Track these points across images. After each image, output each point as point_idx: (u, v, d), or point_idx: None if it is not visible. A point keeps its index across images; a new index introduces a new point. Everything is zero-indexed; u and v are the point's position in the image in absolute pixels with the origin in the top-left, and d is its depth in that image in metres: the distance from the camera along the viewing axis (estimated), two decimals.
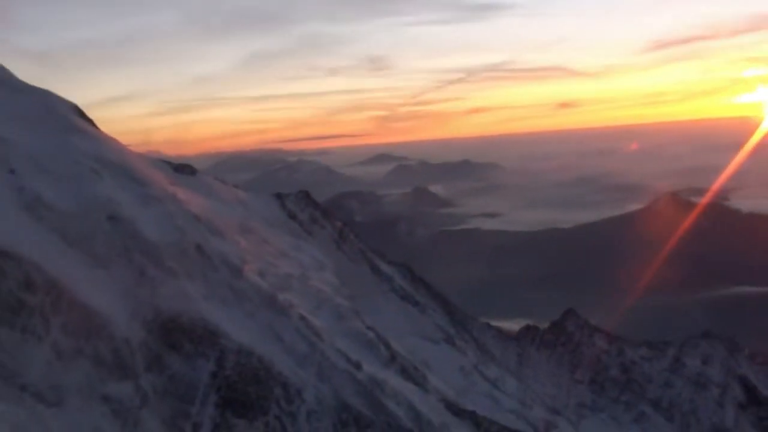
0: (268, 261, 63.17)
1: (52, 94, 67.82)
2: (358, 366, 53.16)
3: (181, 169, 75.30)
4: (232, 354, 48.46)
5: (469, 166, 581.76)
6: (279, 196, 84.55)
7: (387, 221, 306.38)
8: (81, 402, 41.53)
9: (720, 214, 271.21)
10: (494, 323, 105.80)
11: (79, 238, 50.83)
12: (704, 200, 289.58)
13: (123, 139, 71.92)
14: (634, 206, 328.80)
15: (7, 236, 46.51)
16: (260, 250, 64.68)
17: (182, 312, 49.20)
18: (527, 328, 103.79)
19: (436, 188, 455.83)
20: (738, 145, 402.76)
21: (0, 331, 41.25)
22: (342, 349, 54.22)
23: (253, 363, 48.78)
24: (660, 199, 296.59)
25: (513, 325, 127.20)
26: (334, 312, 60.56)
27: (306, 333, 53.45)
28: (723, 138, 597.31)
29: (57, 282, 45.72)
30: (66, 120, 63.92)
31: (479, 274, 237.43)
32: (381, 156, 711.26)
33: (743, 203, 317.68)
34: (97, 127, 69.12)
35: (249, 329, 51.34)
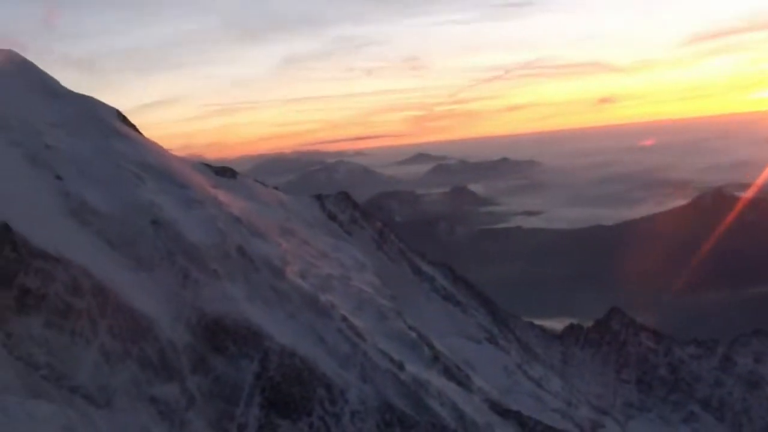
0: (309, 262, 63.39)
1: (95, 100, 68.92)
2: (400, 366, 53.04)
3: (222, 172, 75.95)
4: (275, 355, 48.69)
5: (507, 164, 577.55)
6: (319, 198, 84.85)
7: (427, 221, 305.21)
8: (129, 403, 42.08)
9: (766, 209, 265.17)
10: (537, 322, 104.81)
11: (123, 242, 51.59)
12: (748, 195, 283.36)
13: (164, 144, 72.87)
14: (678, 202, 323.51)
15: (54, 241, 47.36)
16: (301, 251, 64.95)
17: (226, 314, 49.60)
18: (571, 326, 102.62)
19: (476, 187, 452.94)
20: None
21: (49, 335, 42.02)
22: (384, 350, 54.16)
23: (297, 364, 48.96)
24: (705, 195, 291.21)
25: (556, 324, 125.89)
26: (376, 312, 60.53)
27: (348, 334, 53.49)
28: (765, 132, 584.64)
29: (103, 286, 46.43)
30: (109, 125, 64.91)
31: (521, 273, 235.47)
32: (419, 155, 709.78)
33: None
34: (139, 132, 70.09)
35: (291, 330, 51.55)
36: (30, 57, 71.34)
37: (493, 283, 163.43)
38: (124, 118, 69.75)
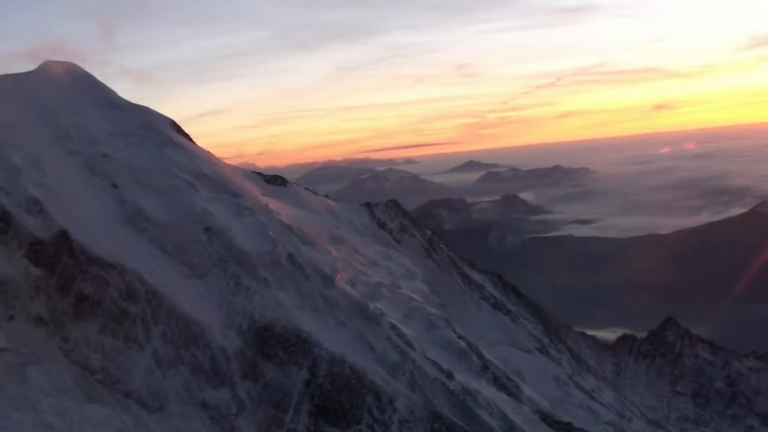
0: (359, 270, 63.65)
1: (151, 111, 70.45)
2: (449, 375, 52.83)
3: (273, 180, 76.81)
4: (324, 362, 49.00)
5: (560, 172, 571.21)
6: (368, 206, 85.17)
7: (477, 229, 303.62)
8: (181, 408, 42.82)
9: None
10: (589, 332, 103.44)
11: (176, 249, 52.61)
12: None
13: (217, 153, 74.04)
14: (736, 210, 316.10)
15: (110, 248, 48.52)
16: (351, 259, 65.25)
17: (276, 321, 50.13)
18: (624, 337, 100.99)
19: (527, 195, 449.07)
20: None
21: (104, 340, 43.03)
22: (433, 358, 54.02)
23: (346, 371, 49.19)
24: (764, 203, 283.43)
25: (609, 335, 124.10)
26: (425, 321, 60.43)
27: (397, 342, 53.52)
28: None
29: (157, 292, 47.40)
30: (163, 135, 66.27)
31: (573, 282, 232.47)
32: (470, 163, 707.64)
33: None
34: (192, 141, 71.37)
35: (341, 338, 51.82)
36: (90, 69, 73.33)
37: (544, 292, 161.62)
38: (178, 128, 71.13)
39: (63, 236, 46.55)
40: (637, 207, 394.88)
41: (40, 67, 71.00)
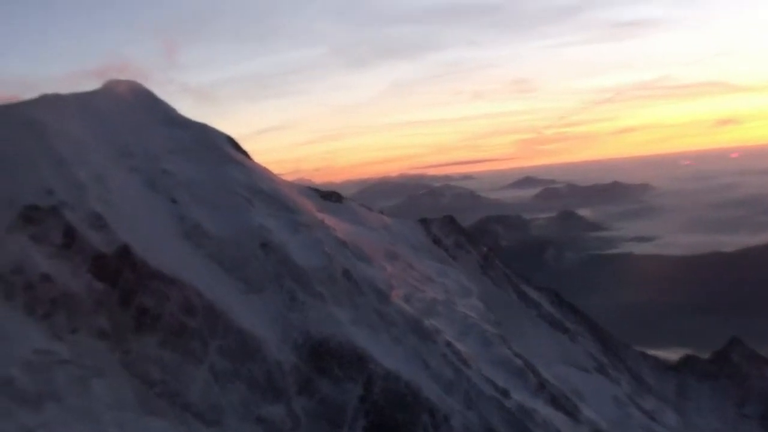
0: (414, 286, 63.52)
1: (209, 128, 71.84)
2: (505, 393, 52.22)
3: (329, 196, 77.40)
4: (379, 379, 48.91)
5: (619, 188, 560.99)
6: (424, 222, 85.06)
7: (533, 246, 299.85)
8: (237, 422, 43.19)
9: None
10: (650, 352, 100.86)
11: (234, 265, 53.31)
12: None
13: (274, 169, 75.08)
14: None
15: (170, 263, 49.44)
16: (406, 275, 65.17)
17: (331, 336, 50.28)
18: (687, 357, 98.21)
19: (585, 211, 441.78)
20: None
21: (164, 353, 43.77)
22: (489, 376, 53.49)
23: (401, 388, 48.99)
24: None
25: (671, 355, 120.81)
26: (481, 338, 59.91)
27: (452, 359, 53.16)
28: None
29: (215, 306, 48.06)
30: (221, 151, 67.45)
31: (633, 301, 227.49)
32: (527, 179, 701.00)
33: None
34: (250, 158, 72.45)
35: (396, 354, 51.69)
36: (152, 87, 75.39)
37: (602, 310, 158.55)
38: (236, 144, 72.33)
39: (125, 251, 47.65)
40: (700, 224, 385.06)
41: (104, 86, 73.17)
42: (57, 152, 55.01)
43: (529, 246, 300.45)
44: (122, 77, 76.49)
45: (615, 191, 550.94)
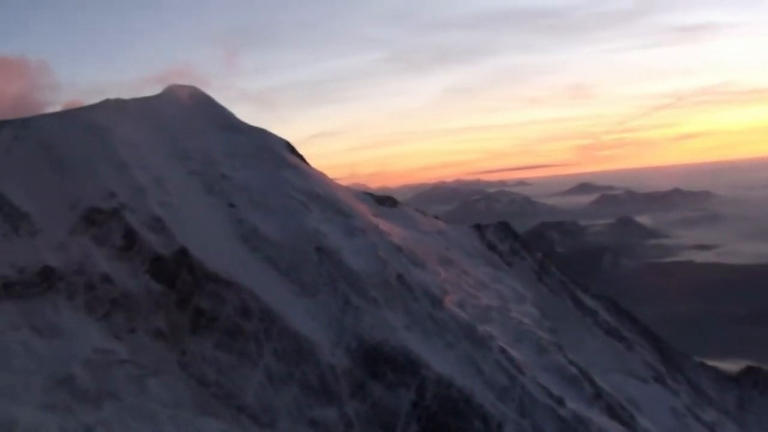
0: (468, 292, 63.11)
1: (267, 132, 72.72)
2: (560, 402, 51.45)
3: (384, 201, 77.48)
4: (432, 384, 48.69)
5: (679, 195, 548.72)
6: (478, 227, 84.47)
7: (590, 253, 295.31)
8: (290, 425, 43.50)
9: None
10: (710, 363, 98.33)
11: (289, 268, 53.78)
12: None
13: (330, 173, 75.49)
14: None
15: (227, 266, 50.17)
16: (460, 280, 64.81)
17: (384, 341, 50.26)
18: (748, 369, 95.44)
19: (644, 218, 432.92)
20: None
21: (219, 354, 44.40)
22: (543, 384, 52.78)
23: (453, 394, 48.69)
24: None
25: (732, 366, 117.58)
26: (535, 345, 59.17)
27: (506, 366, 52.62)
28: None
29: (270, 309, 48.55)
30: (279, 156, 68.18)
31: (692, 310, 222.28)
32: (584, 185, 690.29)
33: None
34: (306, 162, 73.05)
35: (449, 360, 51.38)
36: (212, 92, 76.69)
37: (661, 319, 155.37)
38: (293, 149, 73.00)
39: (183, 253, 48.55)
40: (763, 233, 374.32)
41: (165, 91, 74.76)
42: (118, 156, 56.38)
43: (586, 253, 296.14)
44: (183, 83, 78.15)
45: (675, 198, 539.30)
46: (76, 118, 60.38)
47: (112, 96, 67.37)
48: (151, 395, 39.00)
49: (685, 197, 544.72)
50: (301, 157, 73.25)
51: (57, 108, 68.01)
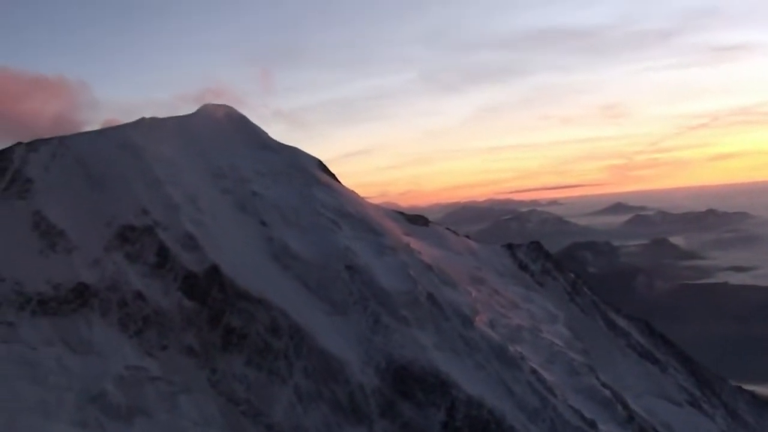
0: (499, 312, 62.67)
1: (299, 151, 73.22)
2: (592, 425, 50.73)
3: (415, 219, 77.44)
4: (462, 405, 48.31)
5: (714, 216, 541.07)
6: (510, 247, 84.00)
7: (623, 273, 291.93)
8: None
9: None
10: (747, 387, 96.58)
11: (319, 286, 53.88)
12: None
13: (361, 192, 75.70)
14: None
15: (257, 283, 50.40)
16: (491, 300, 64.40)
17: (414, 360, 50.02)
18: None
19: (678, 239, 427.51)
20: None
21: (249, 372, 44.50)
22: (576, 406, 52.10)
23: (484, 415, 48.24)
24: None
25: None
26: (567, 366, 58.50)
27: (538, 387, 52.06)
28: None
29: (300, 327, 48.61)
30: (311, 174, 68.55)
31: (728, 333, 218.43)
32: (617, 205, 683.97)
33: None
34: (338, 181, 73.35)
35: (479, 380, 50.97)
36: (247, 111, 77.62)
37: (695, 342, 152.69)
38: (325, 168, 73.39)
39: (214, 271, 48.90)
40: None
41: (200, 110, 75.82)
42: (152, 173, 57.11)
43: (619, 273, 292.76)
44: (219, 102, 79.32)
45: (710, 219, 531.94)
46: (111, 136, 61.38)
47: (148, 114, 68.52)
48: (182, 413, 39.19)
49: (721, 218, 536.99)
50: (332, 175, 73.59)
51: (95, 126, 69.41)
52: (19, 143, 55.64)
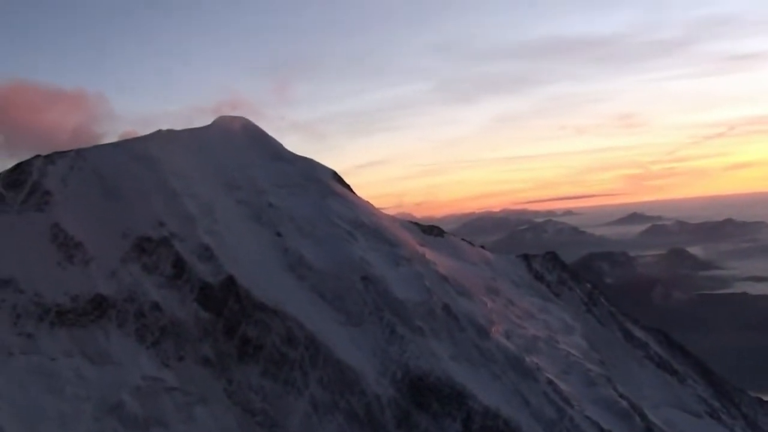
0: (515, 322, 62.46)
1: (314, 162, 73.51)
2: None
3: (430, 230, 77.43)
4: (478, 416, 48.14)
5: (732, 226, 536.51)
6: (526, 257, 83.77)
7: (640, 284, 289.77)
8: None
9: None
10: (767, 398, 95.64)
11: (334, 297, 53.95)
12: None
13: (376, 203, 75.85)
14: None
15: (273, 294, 50.55)
16: (507, 311, 64.21)
17: (430, 371, 49.94)
18: None
19: (695, 249, 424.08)
20: None
21: (265, 383, 44.58)
22: (593, 417, 51.76)
23: (500, 426, 48.04)
24: None
25: None
26: (584, 377, 58.17)
27: (554, 398, 51.79)
28: None
29: (315, 338, 48.68)
30: (326, 185, 68.78)
31: (748, 343, 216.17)
32: (633, 215, 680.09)
33: None
34: (353, 192, 73.51)
35: (495, 391, 50.79)
36: (263, 123, 78.04)
37: (714, 353, 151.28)
38: (340, 179, 73.60)
39: (230, 282, 49.11)
40: None
41: (215, 121, 76.40)
42: (169, 185, 57.51)
43: (636, 284, 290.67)
44: (235, 113, 79.92)
45: (728, 229, 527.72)
46: (128, 148, 61.89)
47: (165, 126, 69.10)
48: (198, 423, 39.32)
49: (739, 228, 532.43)
50: (347, 186, 73.78)
51: (113, 138, 69.98)
52: (38, 156, 56.17)
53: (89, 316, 43.38)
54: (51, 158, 56.24)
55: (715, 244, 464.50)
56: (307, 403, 44.76)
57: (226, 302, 47.83)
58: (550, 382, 53.05)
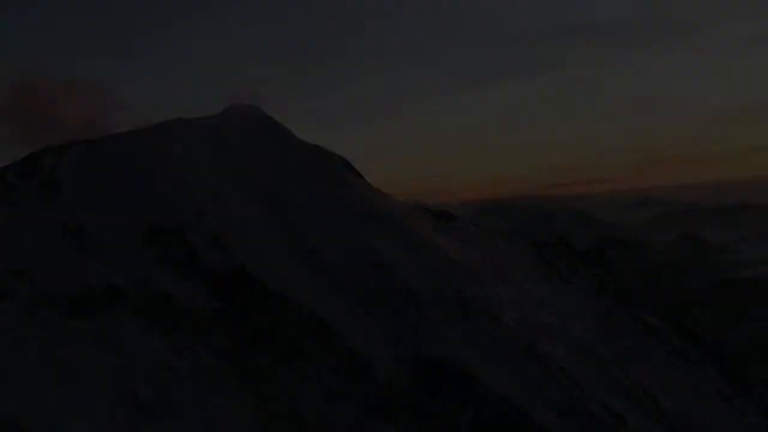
0: (527, 309, 62.37)
1: (325, 150, 73.50)
2: (623, 421, 50.33)
3: (442, 216, 77.29)
4: (490, 402, 48.15)
5: (749, 210, 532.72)
6: (537, 244, 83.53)
7: (653, 269, 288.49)
8: None
9: None
10: None
11: (346, 284, 54.02)
12: None
13: (388, 189, 75.73)
14: None
15: (284, 282, 50.67)
16: (518, 297, 64.10)
17: (442, 358, 49.97)
18: None
19: (710, 234, 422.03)
20: None
21: (278, 371, 44.72)
22: (605, 403, 51.73)
23: (512, 413, 48.03)
24: None
25: None
26: (596, 363, 58.08)
27: (566, 384, 51.76)
28: None
29: (327, 325, 48.79)
30: (336, 173, 68.79)
31: (763, 329, 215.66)
32: (647, 200, 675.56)
33: None
34: (364, 179, 73.45)
35: (507, 378, 50.79)
36: (273, 110, 78.04)
37: (730, 339, 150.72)
38: (350, 166, 73.55)
39: (242, 270, 49.24)
40: None
41: (226, 110, 76.45)
42: (180, 175, 57.69)
43: (649, 269, 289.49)
44: (246, 102, 79.82)
45: (744, 213, 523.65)
46: (139, 138, 62.12)
47: (175, 115, 69.31)
48: (213, 412, 39.49)
49: (757, 212, 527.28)
50: (358, 173, 73.71)
51: (125, 128, 70.35)
52: (49, 147, 56.49)
53: (102, 306, 43.62)
54: (62, 149, 56.53)
55: (731, 228, 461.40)
56: (320, 391, 44.88)
57: (238, 291, 47.98)
58: (562, 369, 53.04)
